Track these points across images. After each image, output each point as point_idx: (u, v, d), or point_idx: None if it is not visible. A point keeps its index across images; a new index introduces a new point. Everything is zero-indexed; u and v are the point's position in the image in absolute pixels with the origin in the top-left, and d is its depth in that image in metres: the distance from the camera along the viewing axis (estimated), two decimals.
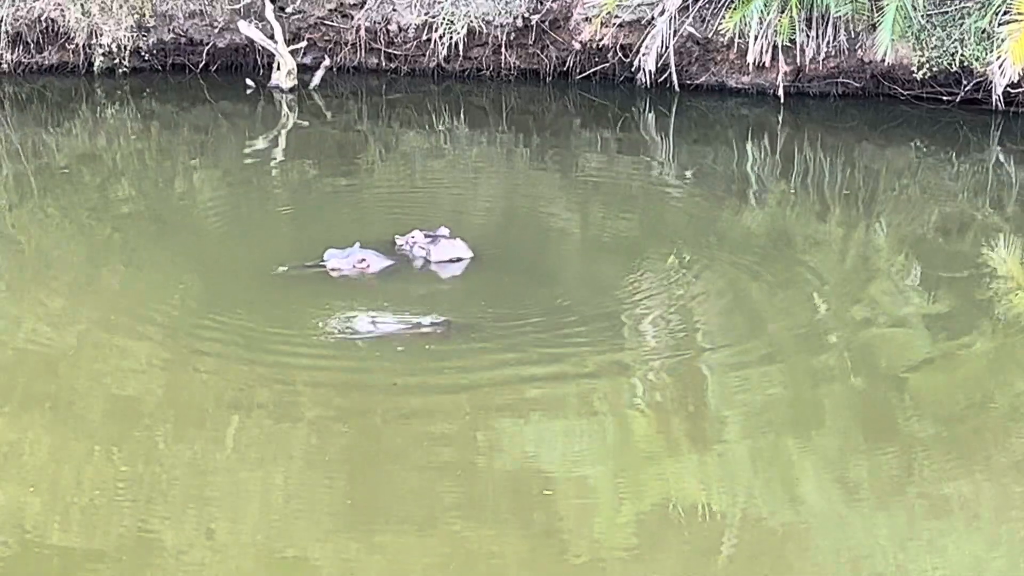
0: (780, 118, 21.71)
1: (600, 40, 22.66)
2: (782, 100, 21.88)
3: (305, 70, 23.90)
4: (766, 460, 10.44)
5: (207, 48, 24.17)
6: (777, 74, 21.85)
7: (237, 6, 23.59)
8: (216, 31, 23.97)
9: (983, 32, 20.42)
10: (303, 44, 24.03)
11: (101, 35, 23.24)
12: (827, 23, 21.33)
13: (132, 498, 9.75)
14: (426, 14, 23.18)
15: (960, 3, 20.72)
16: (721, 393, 11.68)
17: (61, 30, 23.43)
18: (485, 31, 22.99)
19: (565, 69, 23.66)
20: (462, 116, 22.52)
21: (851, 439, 10.77)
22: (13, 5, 23.19)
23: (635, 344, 12.77)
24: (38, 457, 10.40)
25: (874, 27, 21.08)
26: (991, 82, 20.42)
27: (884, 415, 11.23)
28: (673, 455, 10.64)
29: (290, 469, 10.27)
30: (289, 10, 23.79)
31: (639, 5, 22.10)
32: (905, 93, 21.84)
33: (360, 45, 24.13)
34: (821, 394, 11.64)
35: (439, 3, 23.08)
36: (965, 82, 21.21)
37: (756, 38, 21.46)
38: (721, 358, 12.35)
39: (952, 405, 11.52)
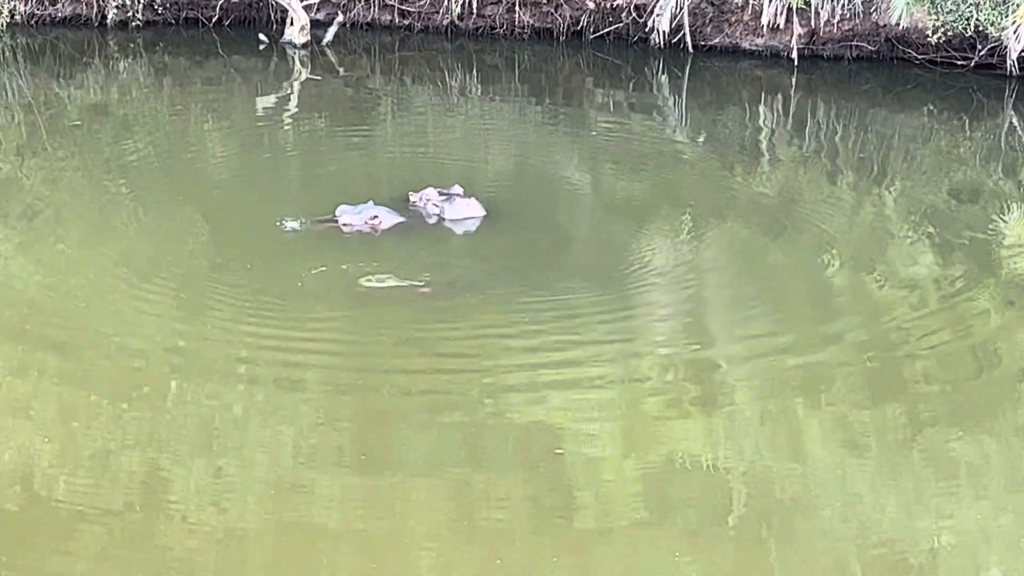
0: (793, 80, 21.64)
1: (614, 0, 22.62)
2: (796, 63, 21.81)
3: (318, 26, 23.85)
4: (775, 424, 10.45)
5: (220, 2, 24.13)
6: (791, 36, 21.78)
7: None
8: None
9: None
10: (316, 0, 23.97)
11: None
12: None
13: (140, 450, 9.78)
14: None
15: None
16: (730, 356, 11.68)
17: None
18: None
19: (579, 28, 23.59)
20: (475, 74, 22.47)
21: (860, 403, 10.77)
22: None
23: (645, 306, 12.77)
24: (47, 407, 10.44)
25: None
26: (1006, 47, 20.38)
27: (893, 379, 11.23)
28: (682, 418, 10.64)
29: (299, 423, 10.30)
30: None
31: None
32: (919, 57, 21.76)
33: (373, 1, 24.08)
34: (830, 358, 11.63)
35: None
36: (980, 47, 21.13)
37: (771, 0, 21.41)
38: (731, 321, 12.36)
39: (961, 369, 11.52)
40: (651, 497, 9.46)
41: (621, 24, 23.17)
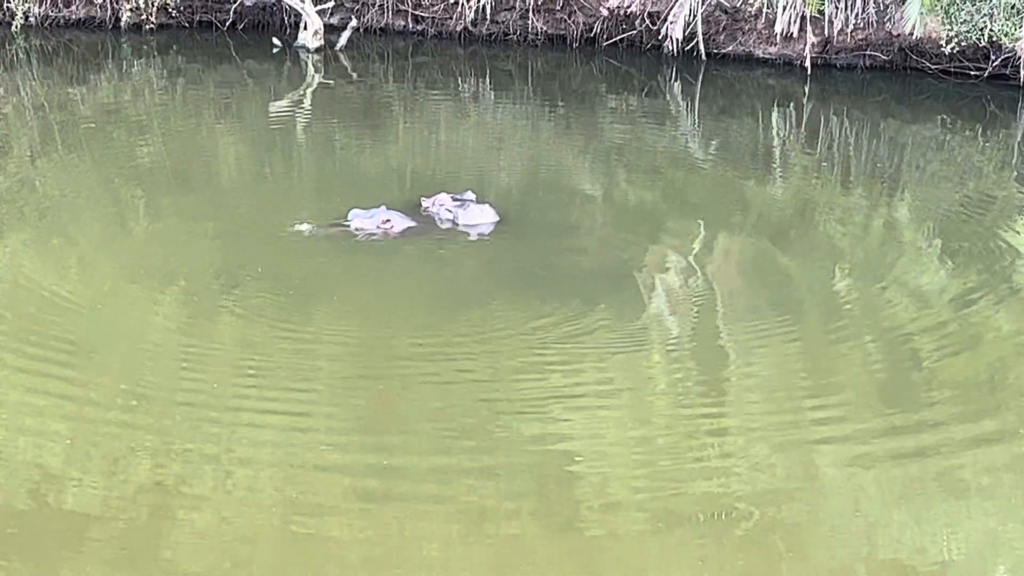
0: (806, 89, 21.66)
1: (628, 7, 22.65)
2: (809, 71, 21.83)
3: (332, 30, 23.92)
4: (784, 436, 10.41)
5: (234, 6, 24.20)
6: (804, 45, 21.80)
7: None
8: None
9: (1013, 7, 20.36)
10: (330, 4, 24.02)
11: None
12: None
13: (149, 454, 9.76)
14: None
15: None
16: (740, 365, 11.67)
17: None
18: None
19: (592, 35, 23.64)
20: (488, 80, 22.50)
21: (869, 412, 10.73)
22: None
23: (656, 314, 12.76)
24: (57, 410, 10.41)
25: (903, 0, 21.04)
26: (1019, 58, 20.39)
27: (903, 388, 11.20)
28: (692, 429, 10.61)
29: (310, 428, 10.28)
30: None
31: None
32: (933, 67, 21.78)
33: (387, 6, 24.14)
34: (840, 367, 11.61)
35: None
36: (993, 57, 21.15)
37: (784, 8, 21.45)
38: (741, 330, 12.32)
39: (970, 379, 11.49)
40: (660, 508, 9.43)
41: (634, 31, 23.21)
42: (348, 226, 14.08)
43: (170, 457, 9.71)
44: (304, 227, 14.04)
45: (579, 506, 9.44)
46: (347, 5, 24.32)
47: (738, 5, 22.11)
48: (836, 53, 22.25)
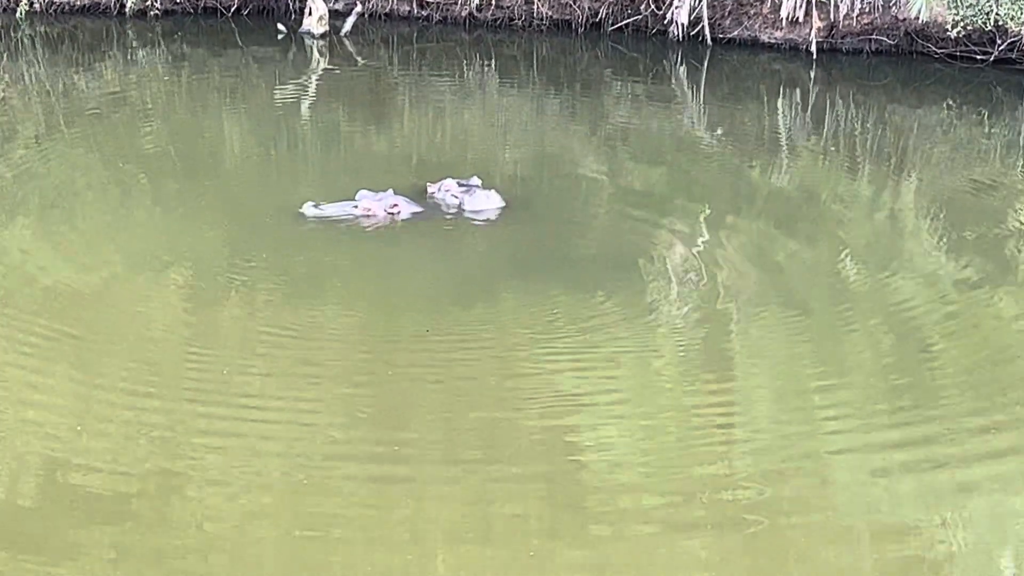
0: (812, 74, 21.63)
1: None
2: (815, 56, 21.81)
3: (337, 16, 23.90)
4: (791, 423, 10.40)
5: None
6: (810, 30, 21.77)
7: None
8: None
9: None
10: None
11: None
12: None
13: (156, 439, 9.76)
14: None
15: None
16: (748, 351, 11.66)
17: None
18: None
19: (597, 20, 23.62)
20: (493, 65, 22.47)
21: (877, 398, 10.73)
22: None
23: (663, 300, 12.75)
24: (64, 395, 10.43)
25: None
26: None
27: (910, 373, 11.19)
28: (698, 411, 10.60)
29: (315, 415, 10.28)
30: None
31: None
32: (939, 52, 21.74)
33: None
34: (847, 352, 11.61)
35: None
36: (999, 41, 21.11)
37: None
38: (748, 316, 12.30)
39: (978, 364, 11.47)
40: (666, 490, 9.43)
41: (640, 16, 23.19)
42: (355, 206, 14.06)
43: (177, 443, 9.71)
44: (308, 204, 14.04)
45: (585, 488, 9.44)
46: None
47: None
48: (842, 38, 22.22)
